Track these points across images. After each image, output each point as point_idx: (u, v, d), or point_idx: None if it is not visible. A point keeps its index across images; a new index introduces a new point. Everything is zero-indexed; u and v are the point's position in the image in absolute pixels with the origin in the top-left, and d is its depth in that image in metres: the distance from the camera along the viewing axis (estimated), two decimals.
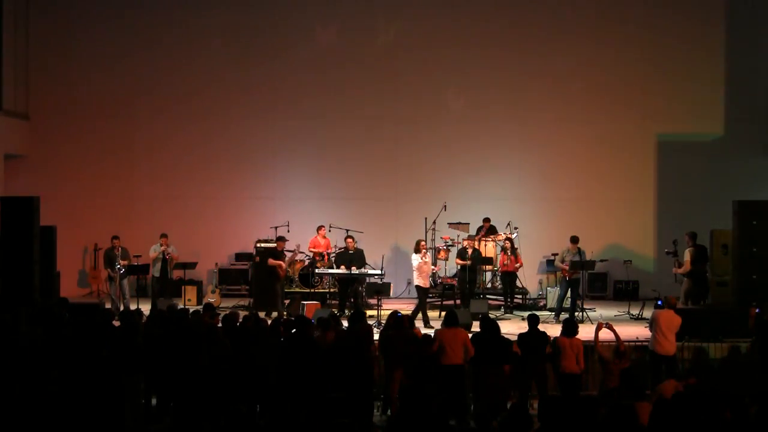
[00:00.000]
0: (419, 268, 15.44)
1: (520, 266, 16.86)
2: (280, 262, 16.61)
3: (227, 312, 13.09)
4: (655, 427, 7.56)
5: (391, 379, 11.43)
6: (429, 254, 16.22)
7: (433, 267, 16.63)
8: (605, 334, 12.05)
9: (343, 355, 10.91)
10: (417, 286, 15.61)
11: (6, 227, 15.69)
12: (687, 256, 15.48)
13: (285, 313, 15.77)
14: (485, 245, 17.19)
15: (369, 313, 16.34)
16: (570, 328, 11.73)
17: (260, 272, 16.86)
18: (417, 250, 15.61)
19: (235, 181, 19.64)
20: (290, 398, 10.74)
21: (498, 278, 17.54)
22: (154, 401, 11.55)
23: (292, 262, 17.74)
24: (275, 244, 16.90)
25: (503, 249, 16.93)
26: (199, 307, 14.47)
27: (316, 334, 11.60)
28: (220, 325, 12.29)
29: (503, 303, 17.08)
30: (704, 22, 19.21)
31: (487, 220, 17.95)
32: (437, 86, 19.46)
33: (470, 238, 16.86)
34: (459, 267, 16.63)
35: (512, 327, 14.53)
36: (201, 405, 10.78)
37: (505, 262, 16.79)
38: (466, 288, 16.29)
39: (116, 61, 19.55)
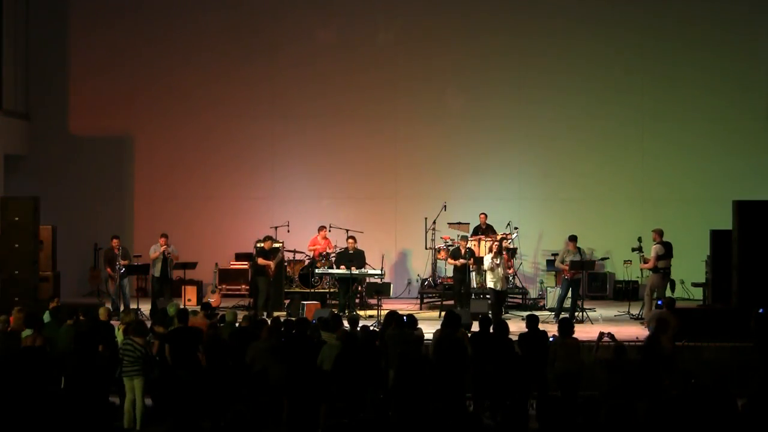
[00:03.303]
0: (491, 270, 15.24)
1: (511, 266, 16.71)
2: (269, 262, 16.55)
3: (226, 312, 13.11)
4: (653, 426, 7.56)
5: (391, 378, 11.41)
6: (504, 254, 15.58)
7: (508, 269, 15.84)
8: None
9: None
10: (490, 289, 15.45)
11: (6, 227, 15.71)
12: (652, 252, 15.47)
13: (264, 312, 15.69)
14: (485, 245, 17.16)
15: (369, 313, 16.40)
16: (566, 327, 11.72)
17: (256, 272, 16.85)
18: (489, 249, 15.43)
19: (235, 181, 19.64)
20: (293, 399, 10.75)
21: None
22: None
23: (288, 262, 17.77)
24: (263, 244, 16.87)
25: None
26: (197, 308, 14.45)
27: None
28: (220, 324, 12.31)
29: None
30: (704, 22, 19.18)
31: (484, 215, 17.81)
32: (437, 85, 19.44)
33: (464, 238, 16.83)
34: (453, 267, 16.58)
35: (512, 327, 14.48)
36: (201, 405, 10.79)
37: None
38: (460, 288, 16.23)
39: (116, 61, 19.54)
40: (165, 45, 19.59)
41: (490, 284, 15.39)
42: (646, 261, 15.77)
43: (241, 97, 19.56)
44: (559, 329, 11.74)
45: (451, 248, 17.61)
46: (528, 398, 11.23)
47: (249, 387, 10.85)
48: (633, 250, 16.26)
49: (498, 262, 15.21)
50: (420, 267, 18.75)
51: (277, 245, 17.08)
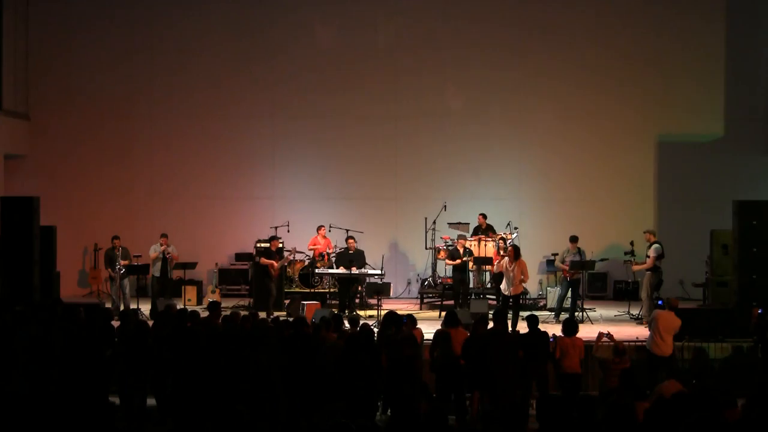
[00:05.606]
0: (505, 273, 15.13)
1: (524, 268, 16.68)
2: (272, 261, 16.61)
3: (227, 312, 13.10)
4: (652, 426, 7.54)
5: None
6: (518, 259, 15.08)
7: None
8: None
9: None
10: (501, 294, 15.37)
11: (6, 227, 15.70)
12: (652, 252, 15.45)
13: (273, 312, 15.76)
14: (485, 245, 17.16)
15: (369, 313, 16.40)
16: (570, 327, 11.71)
17: (259, 272, 16.88)
18: (503, 255, 15.39)
19: (235, 181, 19.64)
20: (291, 399, 10.73)
21: (493, 278, 17.40)
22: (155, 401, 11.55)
23: (290, 263, 17.76)
24: (269, 244, 16.93)
25: (498, 249, 16.86)
26: (198, 308, 14.45)
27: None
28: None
29: (496, 302, 16.98)
30: (704, 22, 19.17)
31: (482, 215, 17.79)
32: (437, 85, 19.44)
33: (461, 238, 16.83)
34: (452, 268, 16.59)
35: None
36: (201, 405, 10.78)
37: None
38: (459, 288, 16.24)
39: (116, 61, 19.55)
40: (165, 46, 19.59)
41: (502, 288, 15.33)
42: (637, 264, 15.82)
43: (241, 97, 19.56)
44: (564, 329, 11.71)
45: (450, 248, 17.63)
46: (528, 398, 11.23)
47: (248, 387, 10.85)
48: (626, 253, 16.30)
49: (512, 267, 15.13)
50: (420, 267, 18.76)
51: (280, 245, 17.11)
